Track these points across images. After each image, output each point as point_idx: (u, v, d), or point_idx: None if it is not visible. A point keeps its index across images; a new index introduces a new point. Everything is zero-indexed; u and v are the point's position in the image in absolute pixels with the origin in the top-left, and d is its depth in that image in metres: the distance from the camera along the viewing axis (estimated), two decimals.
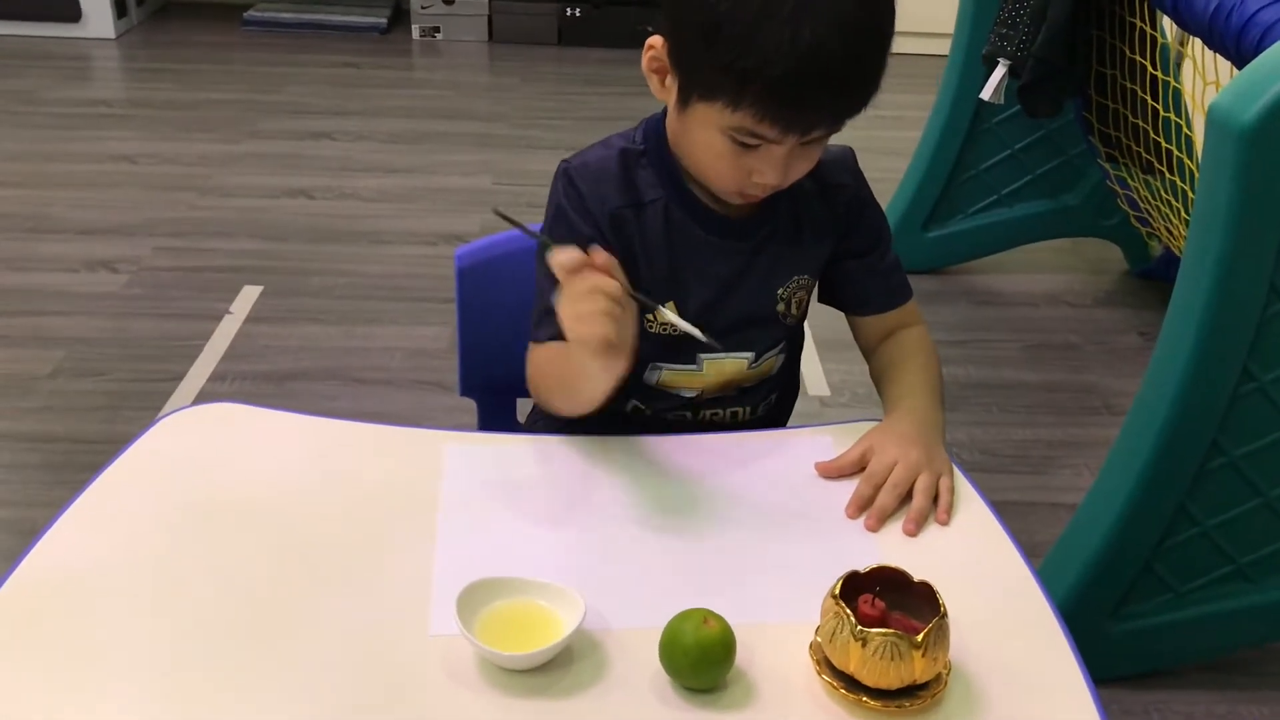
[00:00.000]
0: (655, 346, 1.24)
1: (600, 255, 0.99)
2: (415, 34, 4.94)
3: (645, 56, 1.11)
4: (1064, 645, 0.94)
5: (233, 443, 1.15)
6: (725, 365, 1.26)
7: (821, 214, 1.23)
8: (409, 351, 2.60)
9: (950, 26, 2.81)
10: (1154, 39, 2.27)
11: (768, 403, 1.33)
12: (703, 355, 1.24)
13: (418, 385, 2.48)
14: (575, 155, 1.20)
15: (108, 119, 3.94)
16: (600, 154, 1.19)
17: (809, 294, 1.28)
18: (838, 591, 0.88)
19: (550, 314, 1.17)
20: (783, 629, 0.93)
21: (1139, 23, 2.28)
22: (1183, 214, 2.40)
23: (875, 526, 1.07)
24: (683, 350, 1.24)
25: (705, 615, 0.87)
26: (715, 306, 1.21)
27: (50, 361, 2.51)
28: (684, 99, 1.08)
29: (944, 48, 2.87)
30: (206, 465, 1.12)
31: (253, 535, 1.03)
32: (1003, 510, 1.13)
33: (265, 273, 2.94)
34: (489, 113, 4.14)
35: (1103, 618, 1.70)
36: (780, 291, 1.23)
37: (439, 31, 4.94)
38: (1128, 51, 2.35)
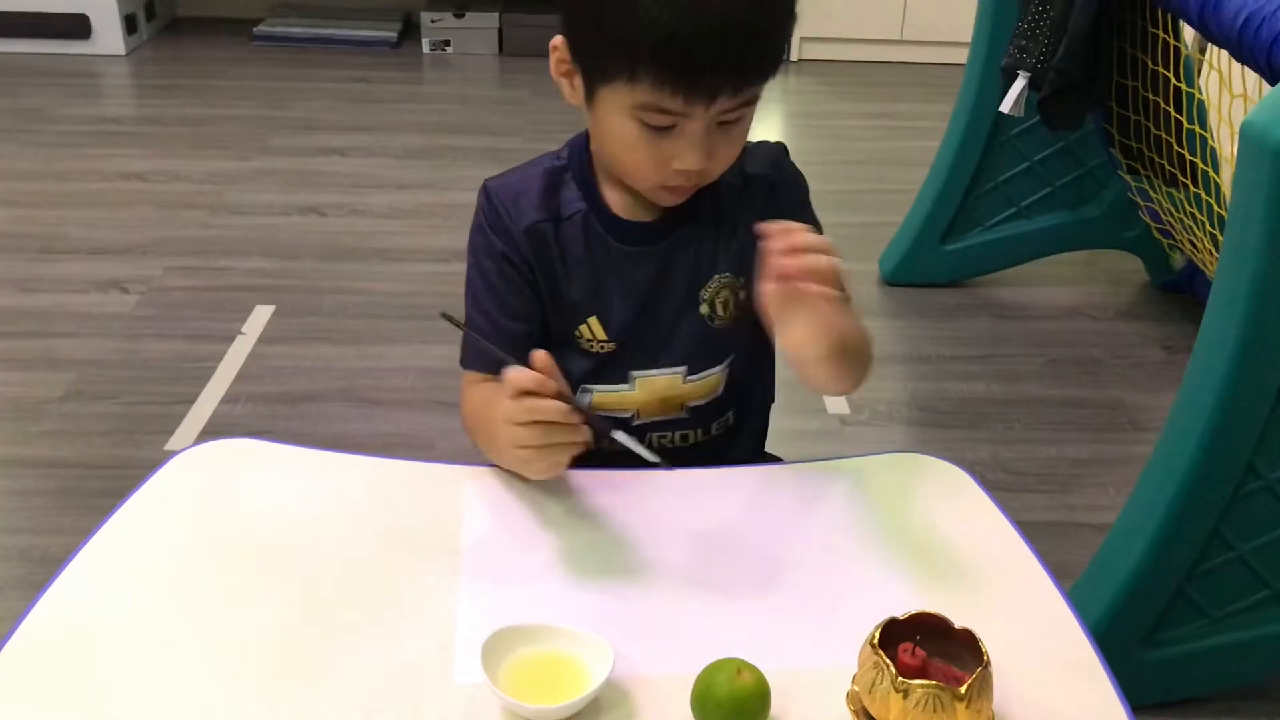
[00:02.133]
0: (583, 366, 1.22)
1: (543, 360, 0.98)
2: (426, 48, 4.93)
3: (551, 60, 1.09)
4: (1111, 693, 0.91)
5: (246, 481, 1.13)
6: (656, 381, 1.22)
7: (740, 208, 1.19)
8: (423, 371, 2.58)
9: (968, 36, 2.78)
10: (1177, 50, 2.23)
11: (722, 422, 1.28)
12: (633, 372, 1.21)
13: (433, 405, 2.45)
14: (498, 174, 1.20)
15: (118, 136, 3.92)
16: (523, 172, 1.19)
17: (737, 295, 1.21)
18: (876, 640, 0.85)
19: (478, 345, 1.18)
20: (819, 675, 0.90)
21: (1161, 33, 2.25)
22: (1207, 227, 2.36)
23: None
24: (612, 369, 1.22)
25: (739, 666, 0.84)
26: (640, 317, 1.19)
27: (61, 385, 2.49)
28: (589, 90, 1.07)
29: (962, 57, 2.83)
30: (219, 506, 1.09)
31: (269, 579, 1.00)
32: (1028, 530, 1.09)
33: (277, 292, 2.92)
34: (501, 126, 4.12)
35: (1135, 645, 1.66)
36: (702, 293, 1.19)
37: (449, 45, 4.93)
38: (1149, 63, 2.31)
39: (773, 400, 1.36)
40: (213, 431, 2.34)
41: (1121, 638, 1.65)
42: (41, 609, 0.95)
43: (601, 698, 0.87)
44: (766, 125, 4.02)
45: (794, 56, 4.90)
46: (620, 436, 1.02)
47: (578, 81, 1.08)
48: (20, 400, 2.44)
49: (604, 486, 1.12)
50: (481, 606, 0.96)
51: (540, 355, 0.99)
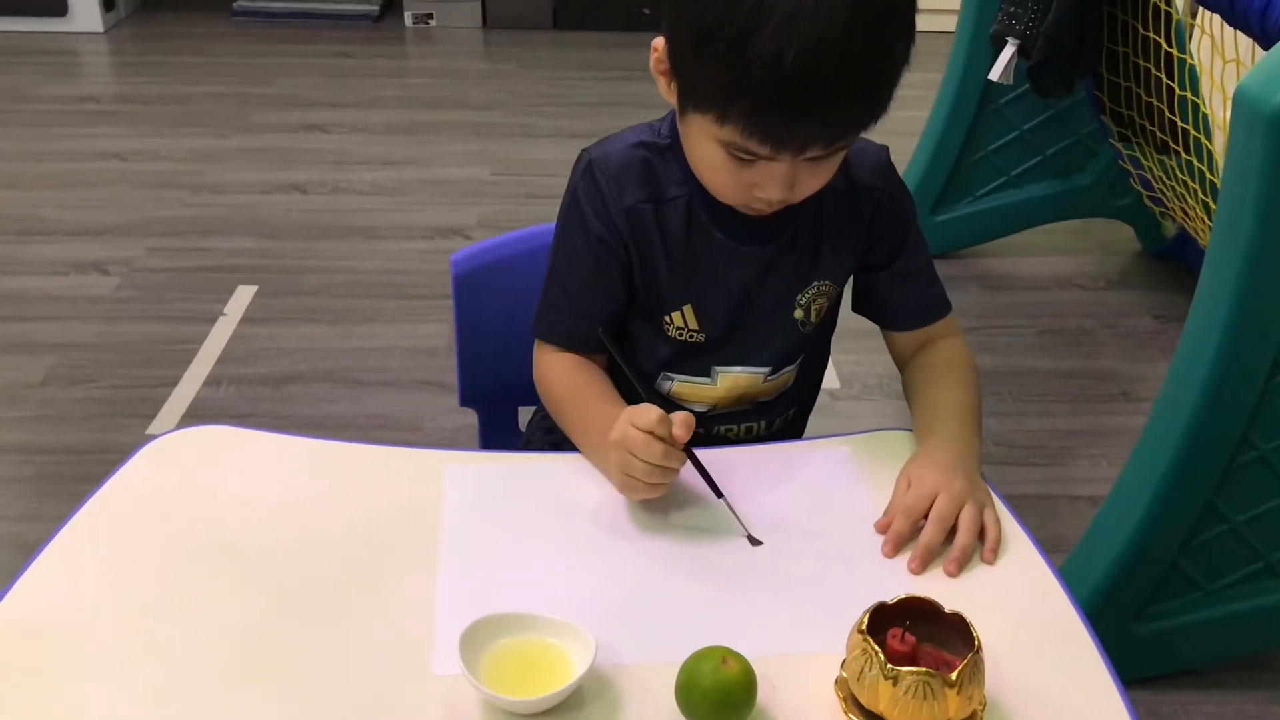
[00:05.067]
0: (668, 352, 1.19)
1: (680, 425, 0.99)
2: (408, 21, 4.87)
3: (652, 59, 1.05)
4: (1104, 672, 0.89)
5: (222, 468, 1.10)
6: (740, 378, 1.20)
7: (847, 217, 1.16)
8: (408, 350, 2.54)
9: (956, 3, 2.74)
10: (1168, 14, 2.20)
11: (785, 418, 1.27)
12: (716, 367, 1.19)
13: (418, 385, 2.42)
14: (597, 144, 1.15)
15: (97, 115, 3.87)
16: (623, 145, 1.14)
17: (830, 302, 1.21)
18: (865, 626, 0.83)
19: (556, 315, 1.17)
20: (806, 661, 0.88)
21: None
22: (1199, 194, 2.34)
23: (918, 569, 0.98)
24: (695, 359, 1.19)
25: (724, 654, 0.82)
26: (735, 314, 1.16)
27: (41, 369, 2.46)
28: (682, 106, 1.04)
29: (950, 24, 2.79)
30: (194, 494, 1.06)
31: (245, 569, 0.97)
32: (1021, 504, 1.08)
33: (260, 272, 2.88)
34: (485, 101, 4.07)
35: (1129, 618, 1.65)
36: (799, 298, 1.17)
37: (432, 18, 4.87)
38: (1140, 28, 2.28)
39: (815, 400, 1.34)
40: (195, 415, 2.31)
41: (1115, 611, 1.64)
42: (12, 599, 0.93)
43: (584, 688, 0.85)
44: None
45: None
46: (725, 502, 1.03)
47: (674, 88, 1.04)
48: None
49: (588, 473, 1.10)
50: (462, 596, 0.94)
51: (684, 419, 0.99)
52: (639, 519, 1.04)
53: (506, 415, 1.45)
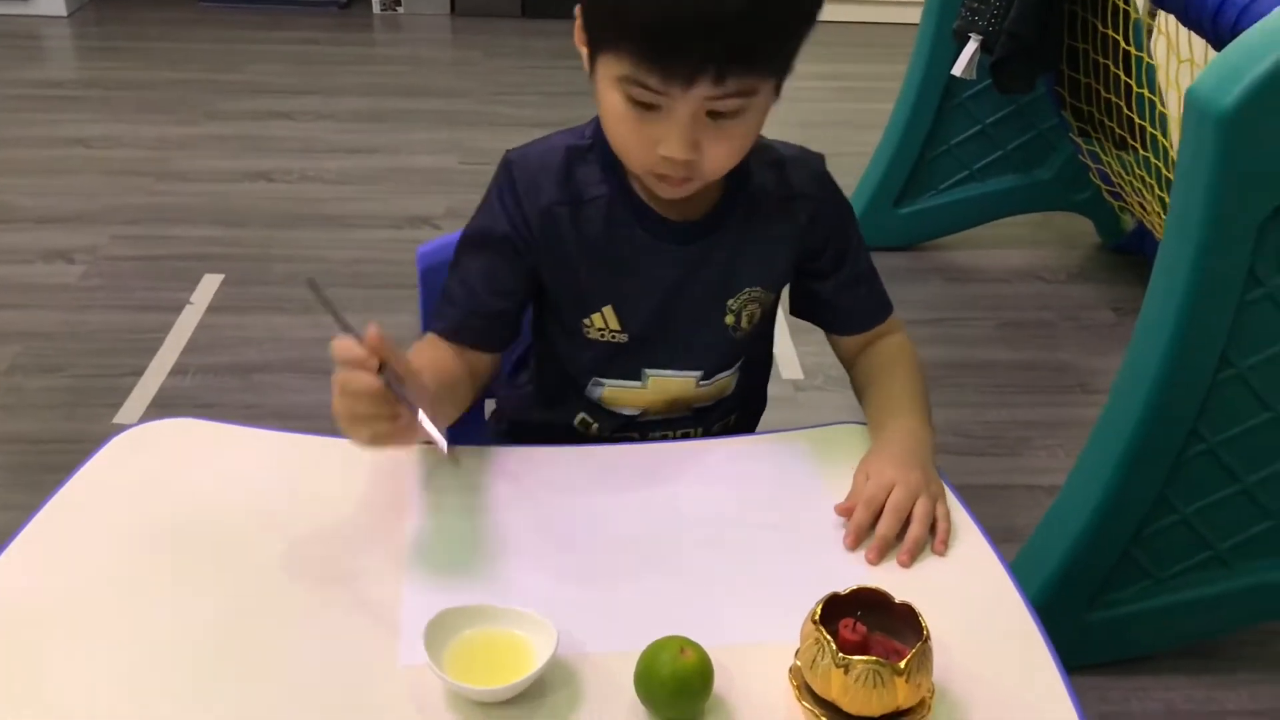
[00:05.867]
0: (595, 358, 1.19)
1: (372, 334, 0.90)
2: (376, 8, 4.86)
3: (576, 28, 1.05)
4: (1049, 660, 0.92)
5: (188, 462, 1.11)
6: (670, 382, 1.20)
7: (780, 224, 1.16)
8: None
9: None
10: (1127, 13, 2.24)
11: (725, 424, 1.27)
12: (647, 370, 1.19)
13: None
14: (520, 146, 1.16)
15: (61, 101, 3.84)
16: (545, 147, 1.14)
17: (764, 308, 1.20)
18: (818, 616, 0.85)
19: (450, 309, 1.15)
20: (761, 651, 0.90)
21: None
22: (1156, 190, 2.38)
23: (875, 559, 1.01)
24: (622, 362, 1.19)
25: (682, 645, 0.84)
26: (660, 314, 1.16)
27: (5, 358, 2.45)
28: (591, 59, 1.03)
29: (912, 16, 2.83)
30: (159, 488, 1.07)
31: (210, 564, 0.99)
32: (979, 494, 1.11)
33: (226, 260, 2.88)
34: (453, 89, 4.07)
35: (1081, 606, 1.69)
36: (730, 302, 1.17)
37: (400, 5, 4.86)
38: (1100, 26, 2.32)
39: (764, 406, 1.35)
40: (161, 404, 2.31)
41: (1069, 599, 1.68)
42: None
43: (546, 677, 0.87)
44: None
45: None
46: (422, 418, 0.93)
47: (585, 42, 1.04)
48: None
49: (550, 464, 1.12)
50: (427, 587, 0.96)
51: (370, 329, 0.90)
52: (601, 512, 1.06)
53: (472, 408, 1.47)
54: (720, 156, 1.03)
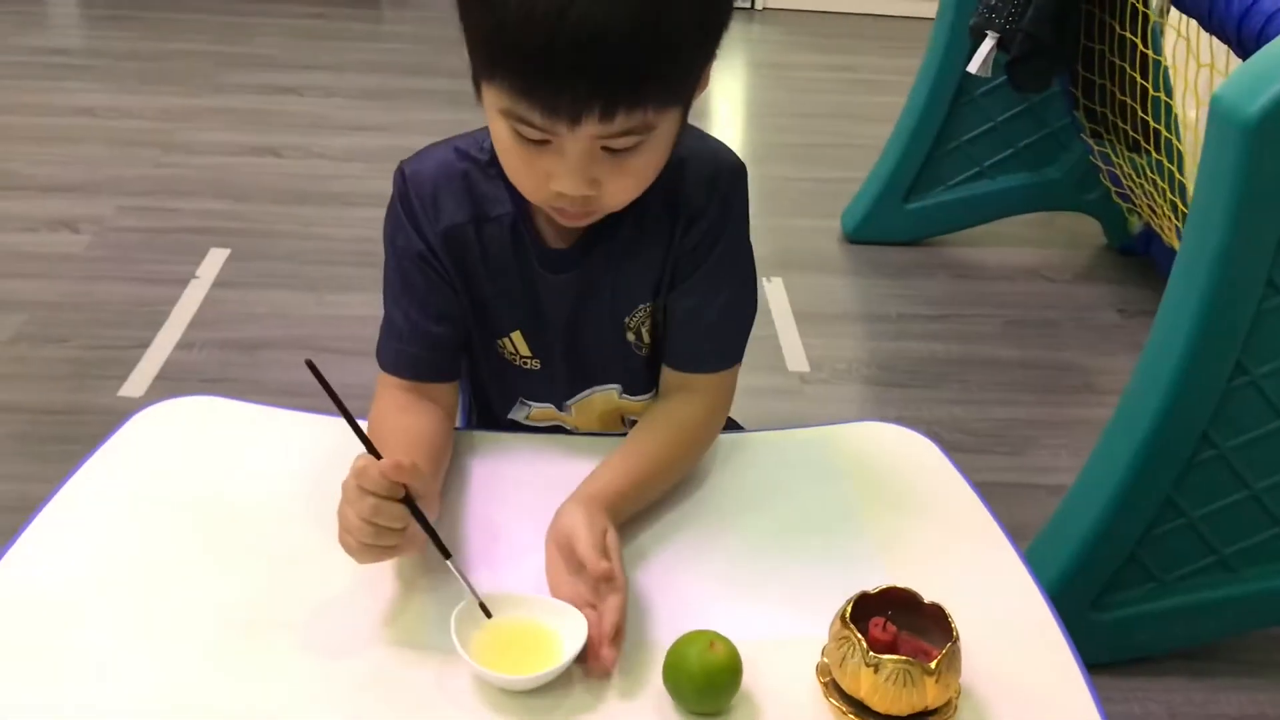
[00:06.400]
0: (513, 377, 1.15)
1: (398, 466, 0.87)
2: None
3: None
4: (1070, 659, 0.93)
5: (207, 441, 1.11)
6: (593, 402, 1.16)
7: (651, 233, 1.05)
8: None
9: None
10: (1144, 15, 2.24)
11: None
12: (567, 401, 1.16)
13: None
14: (414, 157, 1.07)
15: (67, 69, 3.82)
16: (443, 158, 1.05)
17: (655, 319, 1.12)
18: (848, 614, 0.86)
19: (398, 344, 1.08)
20: (789, 646, 0.91)
21: None
22: (1168, 193, 2.38)
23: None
24: (543, 389, 1.15)
25: (711, 639, 0.85)
26: (565, 340, 1.11)
27: (10, 327, 2.44)
28: (475, 85, 0.92)
29: (927, 10, 2.82)
30: (179, 467, 1.08)
31: (233, 544, 0.99)
32: (984, 492, 1.11)
33: (232, 235, 2.87)
34: (461, 68, 3.89)
35: (1088, 606, 1.70)
36: (628, 320, 1.10)
37: None
38: (1117, 27, 2.32)
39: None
40: (167, 378, 2.31)
41: (1075, 599, 1.69)
42: (3, 571, 0.94)
43: (574, 669, 0.87)
44: (726, 77, 4.00)
45: (757, 5, 4.85)
46: (451, 566, 0.91)
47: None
48: None
49: (580, 454, 1.11)
50: (453, 574, 0.96)
51: (394, 463, 0.87)
52: None
53: None
54: (622, 190, 0.94)
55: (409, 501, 0.89)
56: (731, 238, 1.07)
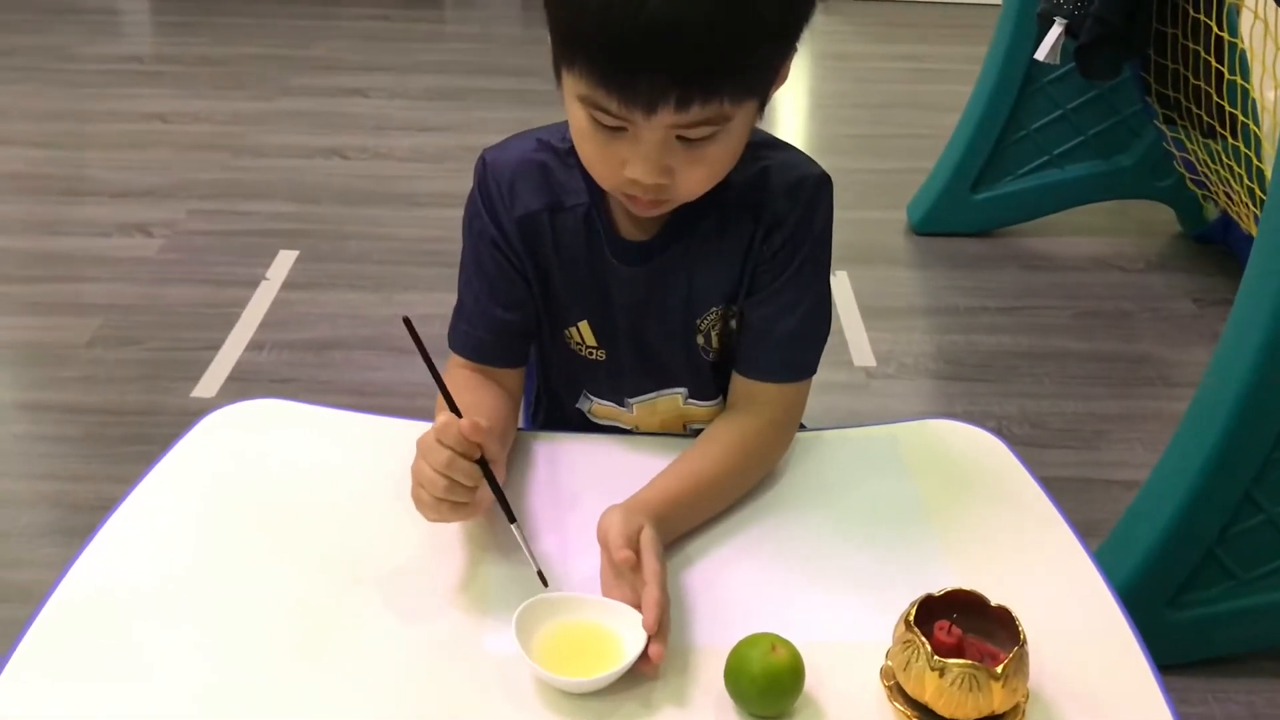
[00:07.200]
0: (577, 369, 1.15)
1: (477, 425, 0.90)
2: None
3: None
4: (1143, 664, 0.90)
5: (276, 444, 1.13)
6: (657, 404, 1.16)
7: (728, 237, 1.06)
8: (449, 319, 2.56)
9: None
10: None
11: None
12: (629, 399, 1.16)
13: None
14: (496, 146, 1.09)
15: (139, 76, 3.90)
16: (523, 146, 1.08)
17: (728, 324, 1.12)
18: (912, 617, 0.84)
19: (467, 326, 1.12)
20: (852, 649, 0.89)
21: None
22: (1244, 179, 2.32)
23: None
24: (607, 384, 1.16)
25: (773, 641, 0.84)
26: (633, 334, 1.11)
27: (87, 330, 2.50)
28: (556, 71, 0.94)
29: None
30: (248, 470, 1.09)
31: (298, 547, 1.00)
32: (1054, 487, 1.09)
33: (301, 236, 2.91)
34: (524, 67, 4.07)
35: (1163, 604, 1.66)
36: (699, 322, 1.10)
37: None
38: (1191, 10, 2.26)
39: None
40: (238, 379, 2.35)
41: (1150, 598, 1.65)
42: (72, 578, 0.96)
43: (634, 671, 0.87)
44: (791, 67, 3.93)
45: None
46: (515, 531, 0.95)
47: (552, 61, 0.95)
48: (46, 345, 2.45)
49: (642, 455, 1.11)
50: (514, 576, 0.96)
51: (473, 422, 0.90)
52: None
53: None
54: (695, 180, 0.95)
55: (483, 463, 0.92)
56: (813, 250, 1.07)
